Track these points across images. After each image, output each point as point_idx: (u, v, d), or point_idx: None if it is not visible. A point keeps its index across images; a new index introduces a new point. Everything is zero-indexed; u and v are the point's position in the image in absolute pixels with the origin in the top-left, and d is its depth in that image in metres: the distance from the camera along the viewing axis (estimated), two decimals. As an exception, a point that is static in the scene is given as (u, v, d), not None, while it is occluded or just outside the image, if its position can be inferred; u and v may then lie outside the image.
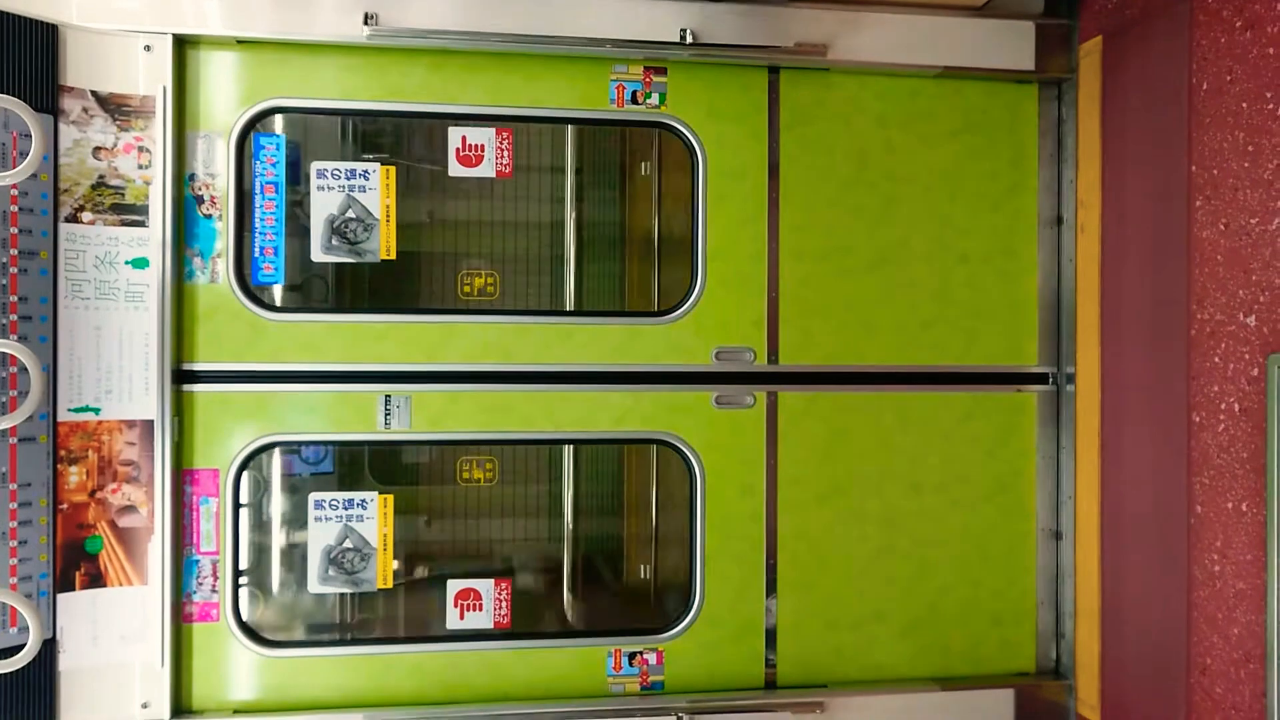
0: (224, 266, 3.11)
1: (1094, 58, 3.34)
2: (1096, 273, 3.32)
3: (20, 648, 2.66)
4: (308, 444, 3.28)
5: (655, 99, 3.31)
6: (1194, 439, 2.87)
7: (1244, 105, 2.70)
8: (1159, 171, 3.04)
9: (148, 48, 3.00)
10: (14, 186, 2.79)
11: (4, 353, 2.72)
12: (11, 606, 2.79)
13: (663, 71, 3.31)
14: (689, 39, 3.18)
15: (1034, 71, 3.41)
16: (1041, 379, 3.50)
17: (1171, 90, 2.97)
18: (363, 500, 3.20)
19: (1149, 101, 3.10)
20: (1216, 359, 2.79)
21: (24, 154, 2.80)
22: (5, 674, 2.71)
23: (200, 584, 3.10)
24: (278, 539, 3.58)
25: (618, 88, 3.29)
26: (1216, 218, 2.80)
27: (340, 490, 3.31)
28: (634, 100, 3.30)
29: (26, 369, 2.76)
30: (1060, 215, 3.50)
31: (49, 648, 2.87)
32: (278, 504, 3.55)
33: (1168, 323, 2.99)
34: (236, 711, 3.11)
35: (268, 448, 3.16)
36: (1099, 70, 3.32)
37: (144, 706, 3.01)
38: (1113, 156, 3.27)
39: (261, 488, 3.47)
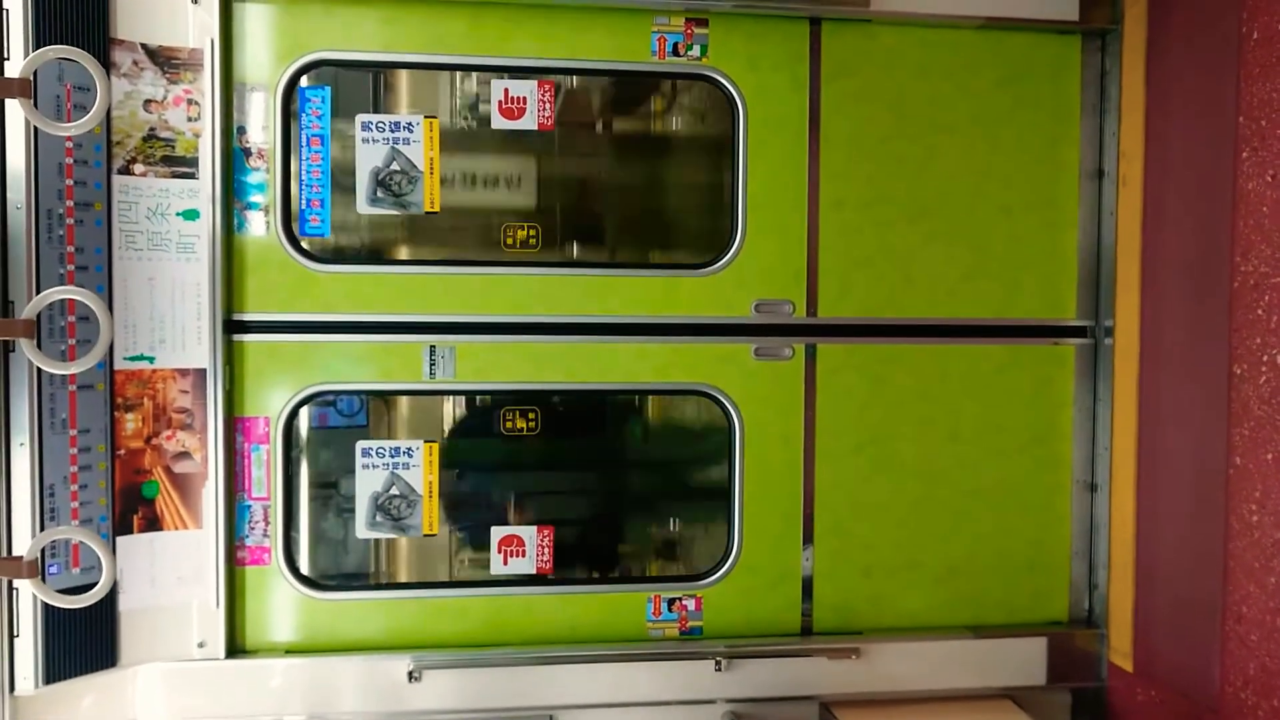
0: (272, 218, 3.16)
1: (1139, 8, 3.30)
2: (1138, 225, 3.31)
3: (84, 588, 2.75)
4: (355, 393, 3.34)
5: (696, 51, 3.31)
6: (1234, 391, 2.88)
7: (1295, 54, 2.68)
8: (1204, 123, 3.02)
9: (195, 0, 3.03)
10: (68, 139, 2.84)
11: (63, 301, 2.78)
12: (74, 547, 2.89)
13: (704, 23, 3.30)
14: (731, -10, 3.18)
15: (1078, 22, 3.39)
16: (1080, 332, 3.51)
17: (1220, 40, 2.94)
18: (409, 448, 3.27)
19: (1195, 52, 3.07)
20: (1259, 311, 2.79)
21: (77, 106, 2.84)
22: (69, 613, 2.81)
23: (252, 528, 3.18)
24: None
25: (659, 39, 3.29)
26: (1263, 169, 2.78)
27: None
28: (675, 52, 3.30)
29: (86, 318, 2.84)
30: (1102, 168, 3.48)
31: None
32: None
33: (1210, 275, 2.98)
34: (288, 651, 3.21)
35: (316, 396, 3.23)
36: (1144, 20, 3.28)
37: (200, 646, 3.11)
38: (1156, 108, 3.25)
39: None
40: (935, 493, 3.47)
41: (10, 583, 2.80)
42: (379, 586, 3.43)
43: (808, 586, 3.43)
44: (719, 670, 3.25)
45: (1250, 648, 2.82)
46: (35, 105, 2.56)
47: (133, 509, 3.02)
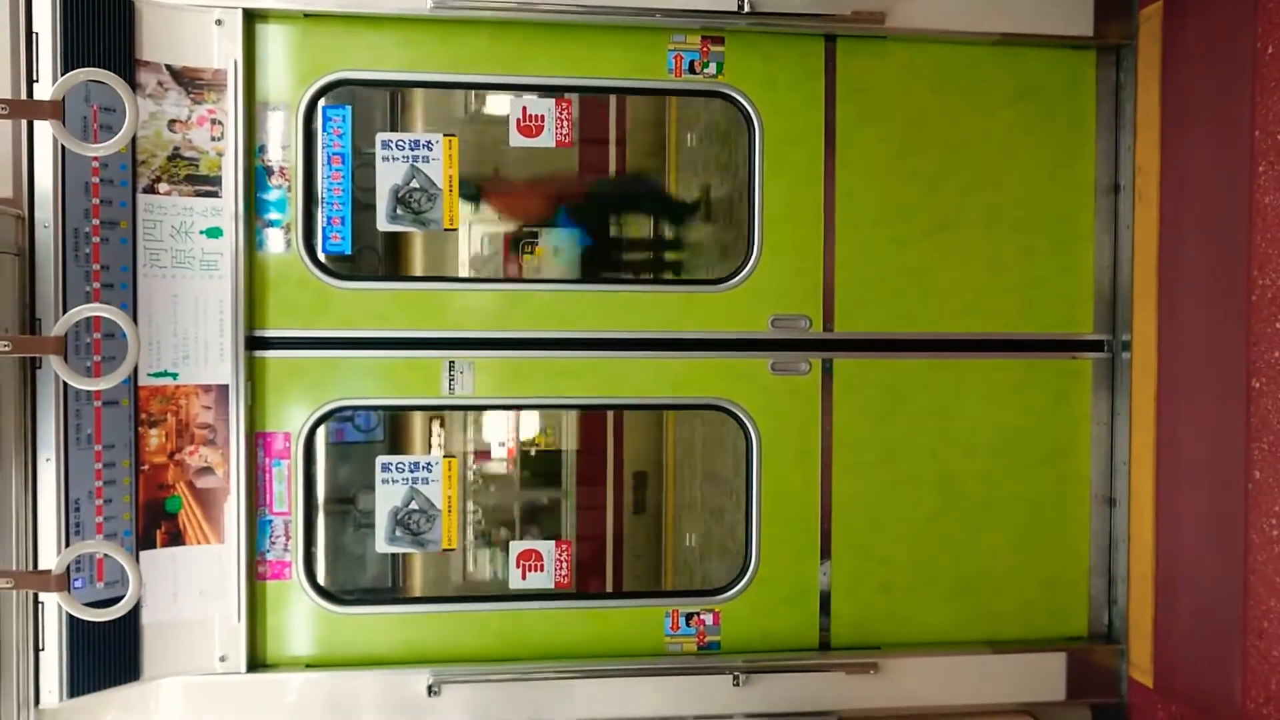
0: (293, 236, 3.19)
1: (1154, 23, 3.32)
2: (1154, 240, 3.32)
3: (107, 602, 2.78)
4: (375, 409, 3.37)
5: (713, 68, 3.34)
6: (1253, 404, 2.88)
7: (1310, 69, 2.69)
8: (1220, 137, 3.03)
9: (219, 22, 3.08)
10: (95, 159, 2.88)
11: (88, 318, 2.82)
12: (99, 561, 2.92)
13: (720, 41, 3.33)
14: (746, 8, 3.19)
15: (1092, 37, 3.40)
16: (1097, 346, 3.52)
17: (1235, 55, 2.95)
18: (428, 463, 3.30)
19: (1211, 67, 3.08)
20: (1278, 325, 2.79)
21: (104, 126, 2.89)
22: (93, 627, 2.84)
23: (274, 543, 3.21)
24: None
25: (675, 57, 3.32)
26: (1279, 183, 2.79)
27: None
28: (692, 70, 3.33)
29: (111, 335, 2.88)
30: (1118, 182, 3.49)
31: (132, 602, 3.00)
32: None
33: (1227, 289, 2.98)
34: (309, 665, 3.23)
35: (336, 412, 3.26)
36: (1159, 35, 3.30)
37: (222, 660, 3.13)
38: (1172, 123, 3.26)
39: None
40: (953, 507, 3.47)
41: (36, 596, 2.83)
42: (398, 601, 3.45)
43: (825, 601, 3.43)
44: (737, 685, 3.25)
45: (1272, 663, 2.81)
46: (63, 126, 2.61)
47: (156, 524, 3.05)
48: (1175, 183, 3.23)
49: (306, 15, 3.16)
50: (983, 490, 3.48)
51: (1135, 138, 3.41)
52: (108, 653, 2.95)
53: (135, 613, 2.99)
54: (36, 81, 2.81)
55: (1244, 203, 2.91)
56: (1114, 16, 3.39)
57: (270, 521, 3.21)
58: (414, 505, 3.29)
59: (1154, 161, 3.32)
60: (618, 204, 4.08)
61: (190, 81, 3.07)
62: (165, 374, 3.06)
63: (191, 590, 3.10)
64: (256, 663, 3.20)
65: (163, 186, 3.04)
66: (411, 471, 3.29)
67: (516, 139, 3.32)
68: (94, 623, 2.76)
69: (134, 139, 2.97)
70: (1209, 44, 3.08)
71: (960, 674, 3.40)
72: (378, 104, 3.56)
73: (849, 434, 3.42)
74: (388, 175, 3.25)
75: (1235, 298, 2.94)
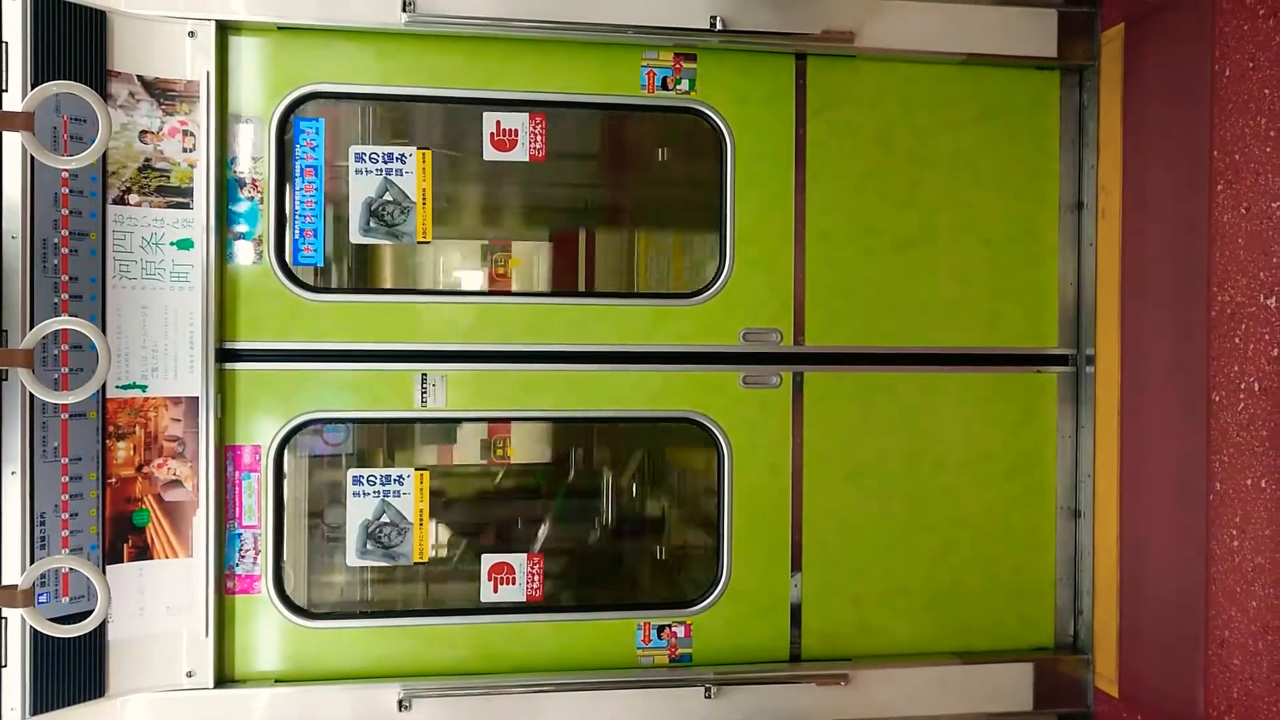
0: (265, 248, 3.18)
1: (1116, 45, 3.40)
2: (1117, 256, 3.38)
3: (72, 617, 2.75)
4: (346, 421, 3.36)
5: (685, 85, 3.37)
6: (1214, 418, 2.94)
7: (1266, 92, 2.76)
8: (1180, 157, 3.10)
9: (192, 34, 3.07)
10: (64, 170, 2.86)
11: (56, 330, 2.79)
12: (64, 576, 2.88)
13: (693, 58, 3.37)
14: (719, 26, 3.24)
15: (1056, 58, 3.47)
16: (1062, 361, 3.57)
17: (1193, 77, 3.03)
18: (400, 476, 3.29)
19: (1170, 88, 3.16)
20: (1237, 340, 2.86)
21: (74, 137, 2.87)
22: (58, 643, 2.81)
23: (243, 557, 3.18)
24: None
25: (649, 74, 3.36)
26: (1238, 202, 2.86)
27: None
28: (664, 86, 3.37)
29: (79, 347, 2.86)
30: (1081, 200, 3.56)
31: (98, 617, 2.96)
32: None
33: (1188, 305, 3.05)
34: (278, 680, 3.20)
35: (307, 424, 3.24)
36: (1121, 57, 3.37)
37: (189, 675, 3.10)
38: (1134, 142, 3.33)
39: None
40: (922, 520, 3.51)
41: (-1, 612, 2.79)
42: (369, 615, 3.43)
43: (796, 613, 3.45)
44: (708, 697, 3.26)
45: (1233, 671, 2.86)
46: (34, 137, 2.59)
47: (123, 537, 3.02)
48: (1137, 201, 3.30)
49: (280, 28, 3.16)
50: (951, 503, 3.53)
51: (1098, 156, 3.48)
52: (72, 669, 2.91)
53: (101, 628, 2.95)
54: (5, 91, 2.78)
55: (1203, 221, 2.98)
56: (1077, 38, 3.47)
57: (239, 535, 3.18)
58: (385, 518, 3.28)
59: (1116, 180, 3.39)
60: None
61: (162, 93, 3.05)
62: (134, 386, 3.03)
63: (159, 605, 3.07)
64: (224, 678, 3.17)
65: (133, 198, 3.02)
66: (383, 484, 3.28)
67: (490, 153, 3.33)
68: (58, 639, 2.73)
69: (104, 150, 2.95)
70: (1169, 66, 3.16)
71: (929, 685, 3.43)
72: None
73: (819, 447, 3.45)
74: (361, 188, 3.25)
75: (1196, 313, 3.01)
